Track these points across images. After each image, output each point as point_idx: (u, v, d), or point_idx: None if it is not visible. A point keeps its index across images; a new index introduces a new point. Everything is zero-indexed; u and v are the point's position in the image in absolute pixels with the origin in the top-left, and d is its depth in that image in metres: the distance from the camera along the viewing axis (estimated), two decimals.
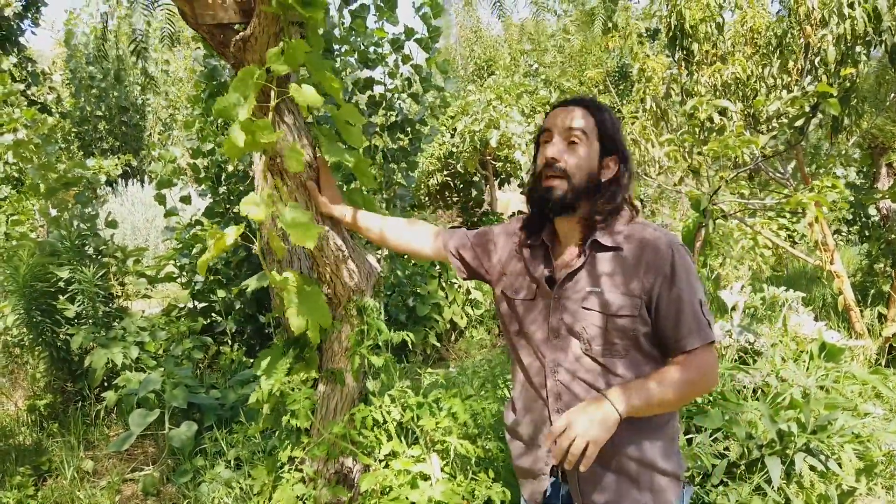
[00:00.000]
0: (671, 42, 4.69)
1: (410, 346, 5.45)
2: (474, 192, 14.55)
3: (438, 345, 5.60)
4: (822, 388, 3.46)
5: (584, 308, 1.47)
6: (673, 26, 4.61)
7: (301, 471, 2.35)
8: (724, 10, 5.17)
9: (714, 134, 3.54)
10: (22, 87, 4.78)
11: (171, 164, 3.91)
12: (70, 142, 11.89)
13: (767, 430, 2.72)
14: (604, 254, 1.49)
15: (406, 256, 5.50)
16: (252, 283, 3.69)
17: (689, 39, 4.65)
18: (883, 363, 4.62)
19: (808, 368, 3.78)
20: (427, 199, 15.15)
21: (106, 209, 8.65)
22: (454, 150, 12.51)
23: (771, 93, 4.97)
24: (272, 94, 1.72)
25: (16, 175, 5.59)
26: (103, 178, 8.13)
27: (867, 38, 4.49)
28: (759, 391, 3.41)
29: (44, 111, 8.13)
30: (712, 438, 2.75)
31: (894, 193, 5.49)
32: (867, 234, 6.49)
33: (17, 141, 4.20)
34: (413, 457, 2.06)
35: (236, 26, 1.91)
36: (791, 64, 4.71)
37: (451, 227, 1.86)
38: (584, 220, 1.51)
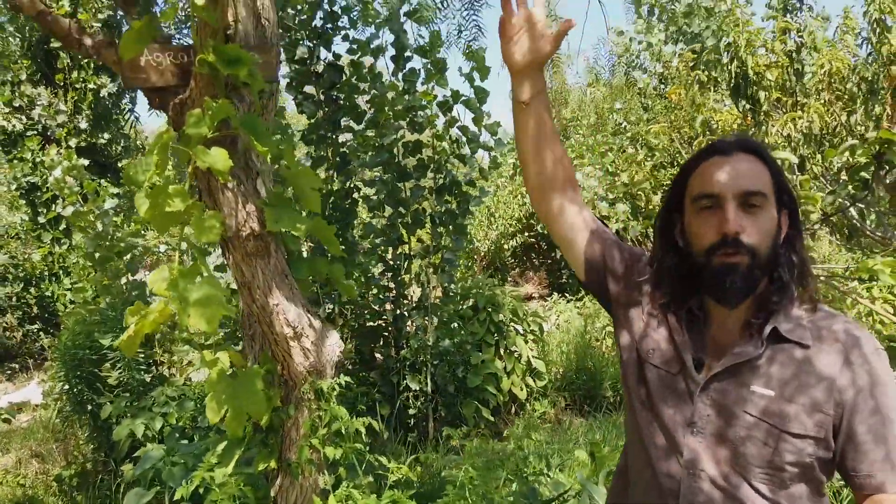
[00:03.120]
0: (734, 91, 4.31)
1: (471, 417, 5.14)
2: (559, 254, 14.18)
3: (492, 419, 5.23)
4: None
5: (747, 413, 1.11)
6: (735, 74, 4.23)
7: None
8: (803, 54, 4.73)
9: None
10: (87, 161, 5.07)
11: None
12: None
13: None
14: (783, 347, 1.12)
15: (455, 325, 5.23)
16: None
17: (755, 88, 4.24)
18: None
19: None
20: (513, 260, 14.91)
21: None
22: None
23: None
24: (191, 159, 1.58)
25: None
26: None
27: None
28: None
29: None
30: None
31: None
32: None
33: (75, 212, 4.39)
34: None
35: (177, 89, 1.82)
36: (879, 109, 4.18)
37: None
38: (753, 298, 1.16)
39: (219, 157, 1.53)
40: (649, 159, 11.60)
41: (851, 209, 4.32)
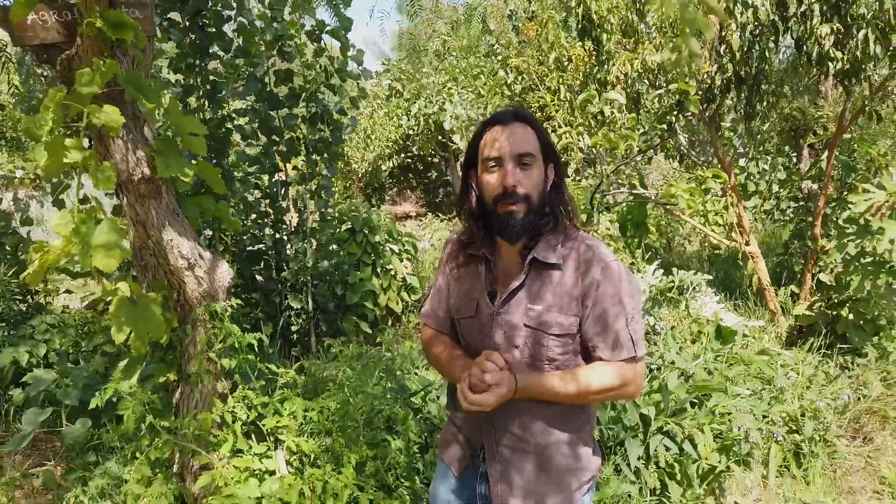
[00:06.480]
0: (581, 33, 4.77)
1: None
2: (434, 174, 14.60)
3: (370, 332, 5.70)
4: (707, 370, 3.62)
5: (525, 326, 1.50)
6: (581, 17, 4.68)
7: (171, 468, 2.46)
8: None
9: (604, 127, 3.64)
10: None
11: None
12: None
13: (631, 413, 2.86)
14: (543, 271, 1.51)
15: (333, 247, 5.58)
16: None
17: (598, 30, 4.72)
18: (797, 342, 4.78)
19: (705, 350, 3.93)
20: (390, 181, 15.17)
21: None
22: (410, 132, 12.54)
23: (689, 80, 5.08)
24: (84, 113, 1.78)
25: None
26: None
27: (775, 27, 4.62)
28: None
29: None
30: None
31: (813, 175, 5.64)
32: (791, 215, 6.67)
33: None
34: (258, 454, 2.17)
35: (63, 45, 1.96)
36: (706, 53, 4.80)
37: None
38: (528, 234, 1.53)
39: (112, 115, 1.74)
40: (518, 83, 12.11)
41: (680, 137, 5.03)
